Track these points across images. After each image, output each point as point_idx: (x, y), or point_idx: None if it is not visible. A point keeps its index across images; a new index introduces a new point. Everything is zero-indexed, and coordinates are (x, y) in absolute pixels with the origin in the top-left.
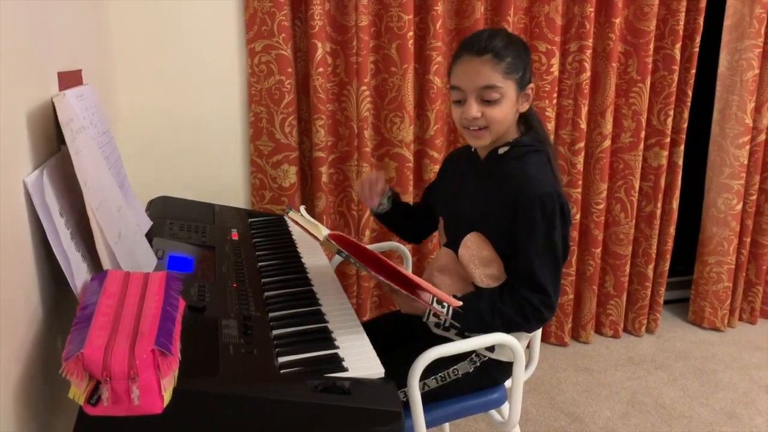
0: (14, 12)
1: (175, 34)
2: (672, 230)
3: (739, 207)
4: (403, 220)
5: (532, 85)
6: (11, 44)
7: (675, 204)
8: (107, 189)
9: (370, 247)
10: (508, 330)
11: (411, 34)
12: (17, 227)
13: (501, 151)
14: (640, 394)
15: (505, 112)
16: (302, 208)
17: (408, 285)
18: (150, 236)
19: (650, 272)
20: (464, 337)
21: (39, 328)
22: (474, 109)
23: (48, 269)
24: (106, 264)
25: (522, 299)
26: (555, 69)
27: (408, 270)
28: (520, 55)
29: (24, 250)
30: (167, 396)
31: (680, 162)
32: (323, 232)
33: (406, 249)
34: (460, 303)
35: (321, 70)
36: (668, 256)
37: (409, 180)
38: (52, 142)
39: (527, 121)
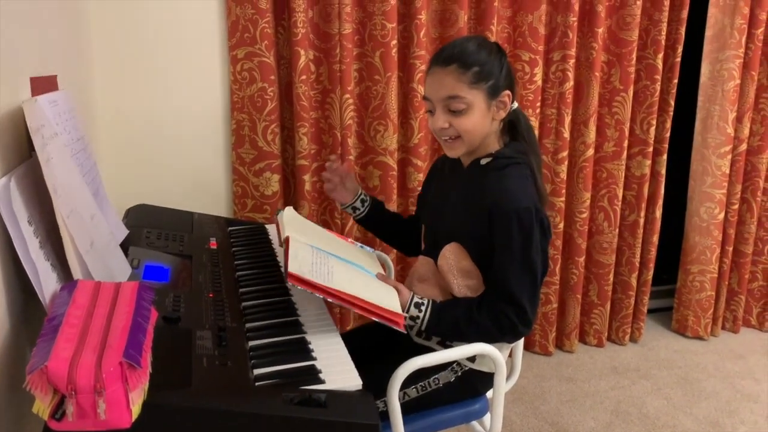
0: None
1: (156, 40)
2: (655, 239)
3: (722, 216)
4: (391, 231)
5: (508, 92)
6: None
7: (658, 213)
8: (79, 197)
9: None
10: (483, 341)
11: (395, 42)
12: None
13: (483, 161)
14: (624, 403)
15: (473, 122)
16: (289, 209)
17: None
18: (126, 245)
19: (634, 281)
20: (446, 347)
21: (6, 339)
22: (441, 120)
23: (16, 279)
24: (76, 274)
25: (499, 312)
26: (538, 78)
27: (391, 277)
28: (490, 62)
29: None
30: (136, 410)
31: (663, 171)
32: (282, 229)
33: (388, 258)
34: (403, 321)
35: (304, 77)
36: (651, 265)
37: (393, 188)
38: (22, 149)
39: (515, 129)
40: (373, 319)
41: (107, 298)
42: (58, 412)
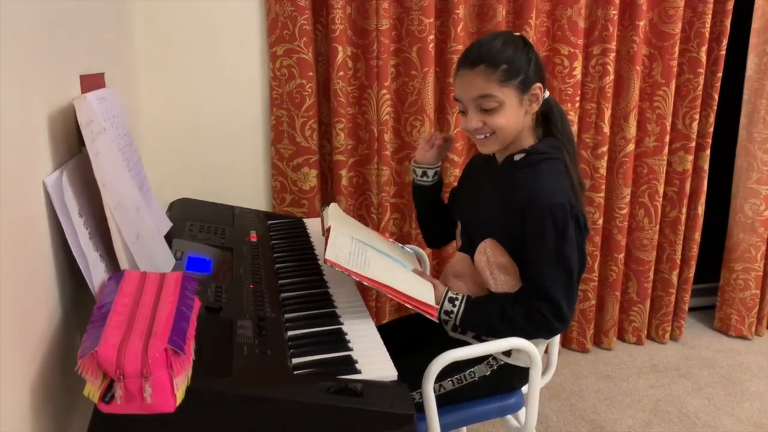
0: (38, 16)
1: (197, 38)
2: (697, 236)
3: (767, 213)
4: (436, 210)
5: (539, 84)
6: (33, 48)
7: (700, 209)
8: (126, 190)
9: None
10: (517, 337)
11: (432, 37)
12: (37, 227)
13: (517, 157)
14: (663, 402)
15: (507, 119)
16: (334, 205)
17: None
18: (170, 237)
19: (675, 278)
20: (481, 340)
21: (57, 325)
22: (474, 120)
23: (67, 268)
24: (123, 264)
25: (533, 308)
26: (578, 72)
27: (426, 272)
28: (518, 57)
29: (43, 250)
30: (180, 395)
31: (706, 167)
32: (326, 222)
33: (424, 253)
34: (435, 313)
35: (342, 73)
36: (693, 263)
37: None
38: (73, 144)
39: (549, 122)
40: (406, 304)
41: (153, 288)
42: (107, 395)
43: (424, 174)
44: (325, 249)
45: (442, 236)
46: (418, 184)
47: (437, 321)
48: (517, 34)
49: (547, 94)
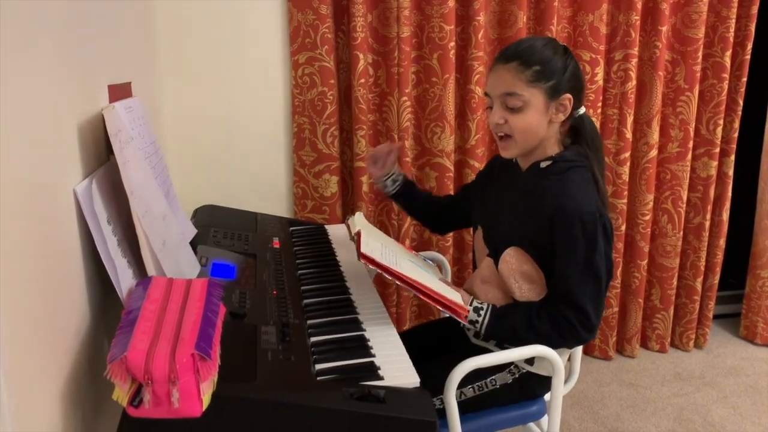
0: (68, 28)
1: (220, 46)
2: (722, 242)
3: None
4: (421, 209)
5: (569, 95)
6: (64, 59)
7: (725, 215)
8: (153, 198)
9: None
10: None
11: (452, 44)
12: (67, 234)
13: (543, 164)
14: (687, 411)
15: (528, 121)
16: (359, 214)
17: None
18: (195, 243)
19: (699, 285)
20: (503, 348)
21: (86, 330)
22: (497, 115)
23: (96, 274)
24: (150, 270)
25: (559, 316)
26: (599, 78)
27: (448, 279)
28: (554, 62)
29: (73, 256)
30: (206, 400)
31: (730, 172)
32: (354, 228)
33: (444, 259)
34: (467, 313)
35: (363, 81)
36: (718, 269)
37: (449, 190)
38: (101, 153)
39: (578, 132)
40: (437, 306)
41: (179, 294)
42: (135, 399)
43: (384, 186)
44: (357, 248)
45: (442, 225)
46: (387, 194)
47: (465, 322)
48: (562, 43)
49: (582, 110)
